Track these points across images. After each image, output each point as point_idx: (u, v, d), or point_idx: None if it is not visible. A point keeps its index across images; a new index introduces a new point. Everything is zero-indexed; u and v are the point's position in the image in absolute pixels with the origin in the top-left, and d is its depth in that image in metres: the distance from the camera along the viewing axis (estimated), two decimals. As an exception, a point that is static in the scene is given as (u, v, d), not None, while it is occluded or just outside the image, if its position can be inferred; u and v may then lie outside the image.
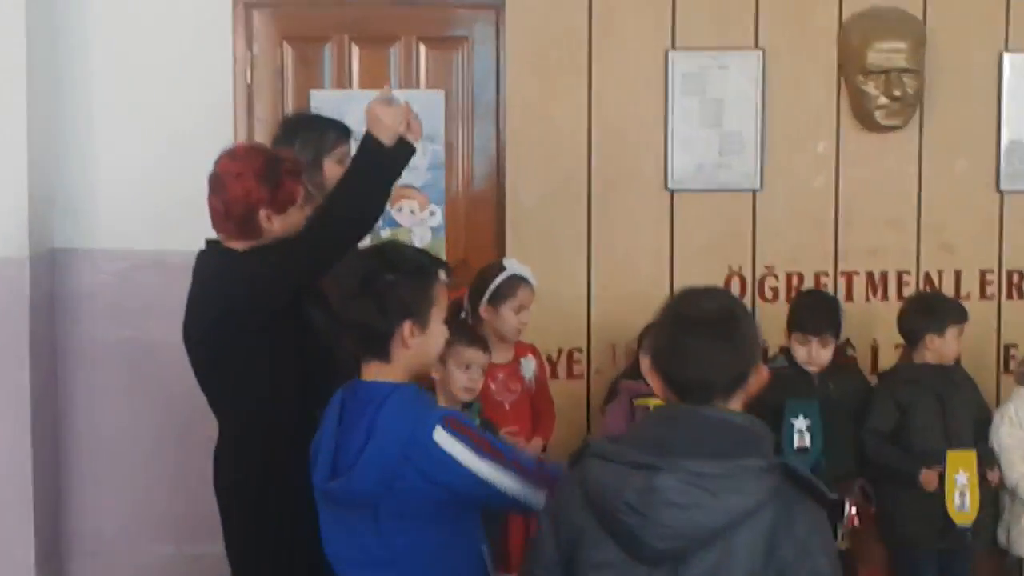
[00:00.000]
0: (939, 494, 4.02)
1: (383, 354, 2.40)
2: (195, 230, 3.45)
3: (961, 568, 4.16)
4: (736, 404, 2.08)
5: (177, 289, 3.39)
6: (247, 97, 4.79)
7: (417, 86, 4.81)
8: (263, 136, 4.72)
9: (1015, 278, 4.86)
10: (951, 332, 4.16)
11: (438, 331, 2.48)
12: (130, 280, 4.66)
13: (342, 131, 3.72)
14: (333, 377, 2.66)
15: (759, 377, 2.11)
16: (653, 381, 2.11)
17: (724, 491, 1.89)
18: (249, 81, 4.79)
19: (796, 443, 4.03)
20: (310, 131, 3.68)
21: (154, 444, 4.66)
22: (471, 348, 3.60)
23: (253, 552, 3.17)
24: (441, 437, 2.31)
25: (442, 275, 2.50)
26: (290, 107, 4.77)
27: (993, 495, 4.20)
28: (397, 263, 2.43)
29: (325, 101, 4.52)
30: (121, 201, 4.69)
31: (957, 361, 4.33)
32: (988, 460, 4.11)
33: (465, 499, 2.37)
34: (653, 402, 3.46)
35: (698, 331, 2.05)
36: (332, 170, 3.58)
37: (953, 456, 4.01)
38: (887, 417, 4.13)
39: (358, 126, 4.62)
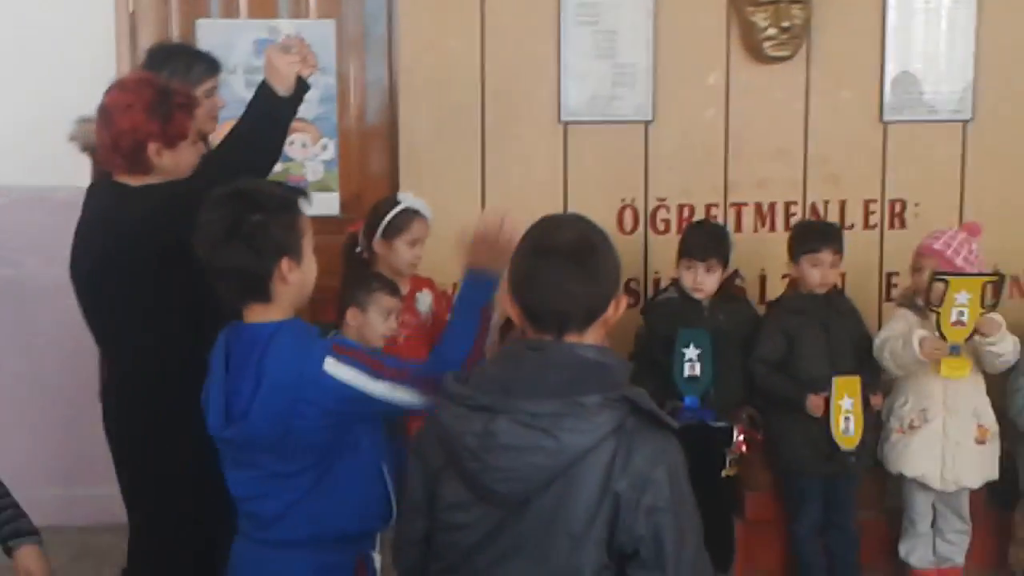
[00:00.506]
0: (824, 420, 4.11)
1: (264, 295, 2.40)
2: (79, 165, 3.39)
3: (845, 491, 4.25)
4: (594, 335, 2.06)
5: (61, 227, 3.31)
6: (130, 26, 4.68)
7: (307, 16, 4.76)
8: (145, 68, 4.63)
9: (897, 207, 4.95)
10: (812, 259, 4.20)
11: (312, 261, 2.48)
12: (10, 217, 4.54)
13: (211, 64, 3.64)
14: (224, 319, 2.64)
15: (618, 308, 2.08)
16: (511, 310, 2.08)
17: (562, 431, 1.88)
18: (131, 9, 4.68)
19: (687, 372, 4.09)
20: (178, 63, 3.57)
21: (40, 384, 4.59)
22: (394, 297, 3.62)
23: (146, 492, 3.14)
24: (332, 366, 2.32)
25: (305, 204, 2.50)
26: (175, 37, 4.65)
27: (875, 418, 4.32)
28: (261, 202, 2.40)
29: (211, 31, 4.45)
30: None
31: (841, 290, 4.43)
32: (872, 385, 4.21)
33: (364, 419, 2.41)
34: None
35: (555, 260, 2.01)
36: (202, 103, 3.49)
37: (839, 382, 4.09)
38: (774, 346, 4.20)
39: (245, 58, 4.63)
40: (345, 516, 2.44)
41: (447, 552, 2.05)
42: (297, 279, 2.42)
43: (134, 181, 3.04)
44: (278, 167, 4.26)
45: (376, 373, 2.35)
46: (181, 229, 2.87)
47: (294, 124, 4.26)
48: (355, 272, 3.86)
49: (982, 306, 4.05)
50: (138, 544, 3.23)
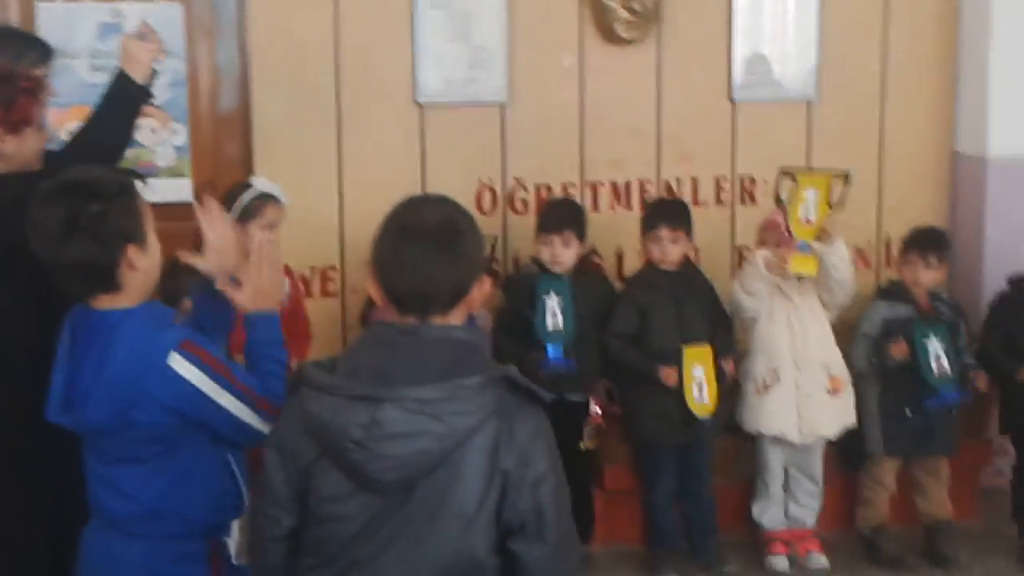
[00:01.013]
0: (678, 392, 4.19)
1: (113, 286, 2.36)
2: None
3: (699, 460, 4.34)
4: (457, 316, 2.04)
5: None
6: (-32, 9, 4.56)
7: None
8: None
9: (747, 184, 5.09)
10: (651, 236, 4.29)
11: (156, 244, 2.44)
12: None
13: (44, 51, 3.49)
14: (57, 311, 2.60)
15: (481, 289, 2.07)
16: (375, 293, 2.06)
17: (448, 414, 1.88)
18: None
19: (550, 324, 4.15)
20: (7, 48, 3.47)
21: None
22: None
23: None
24: (177, 362, 2.29)
25: (140, 185, 2.47)
26: (15, 19, 4.53)
27: (729, 387, 4.41)
28: (97, 191, 2.35)
29: (53, 14, 4.36)
30: None
31: (694, 265, 4.53)
32: (724, 353, 4.31)
33: (200, 426, 2.35)
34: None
35: (417, 241, 1.99)
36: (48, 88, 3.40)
37: (689, 352, 4.18)
38: (628, 320, 4.28)
39: (89, 42, 4.53)
40: (194, 507, 2.41)
41: (323, 546, 2.01)
42: (145, 265, 2.38)
43: None
44: (128, 152, 4.23)
45: (223, 381, 2.32)
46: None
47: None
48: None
49: (828, 205, 4.15)
50: None
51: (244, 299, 2.48)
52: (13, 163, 2.99)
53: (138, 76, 3.10)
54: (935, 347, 4.28)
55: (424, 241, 1.99)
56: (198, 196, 3.59)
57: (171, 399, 2.29)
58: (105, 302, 2.37)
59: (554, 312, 4.17)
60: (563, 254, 4.26)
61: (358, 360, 2.02)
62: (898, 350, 4.31)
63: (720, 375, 4.27)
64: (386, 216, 2.08)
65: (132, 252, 2.34)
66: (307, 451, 1.99)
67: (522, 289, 4.34)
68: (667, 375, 4.18)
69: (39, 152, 3.07)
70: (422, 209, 2.09)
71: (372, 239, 2.06)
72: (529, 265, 4.49)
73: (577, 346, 4.23)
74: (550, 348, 4.17)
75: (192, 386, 2.29)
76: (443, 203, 2.18)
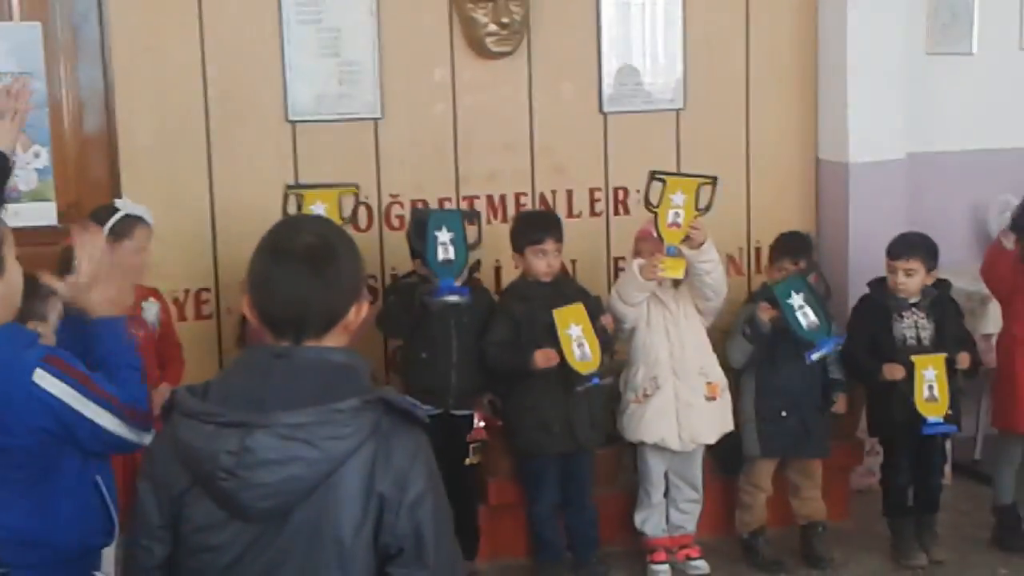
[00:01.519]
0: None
1: None
2: None
3: (580, 469, 4.37)
4: (335, 340, 2.00)
5: None
6: None
7: (11, 19, 4.56)
8: None
9: (620, 195, 5.14)
10: (536, 250, 4.29)
11: (15, 269, 2.38)
12: None
13: None
14: None
15: (359, 313, 2.03)
16: (250, 316, 2.01)
17: (322, 439, 1.84)
18: None
19: (441, 256, 4.16)
20: None
21: None
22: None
23: None
24: (41, 378, 2.26)
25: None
26: None
27: (609, 341, 4.37)
28: None
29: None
30: None
31: (569, 275, 4.58)
32: (597, 313, 4.27)
33: (70, 440, 2.32)
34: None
35: (290, 264, 1.95)
36: None
37: (559, 313, 4.18)
38: (503, 331, 4.28)
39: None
40: (62, 533, 2.37)
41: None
42: (2, 290, 2.33)
43: None
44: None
45: (88, 392, 2.29)
46: None
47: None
48: None
49: (697, 209, 4.23)
50: None
51: (93, 306, 2.45)
52: None
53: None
54: (797, 301, 4.33)
55: (296, 264, 1.95)
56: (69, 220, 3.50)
57: (39, 416, 2.26)
58: None
59: (445, 245, 4.17)
60: (556, 262, 4.29)
61: (230, 385, 1.98)
62: (765, 311, 4.39)
63: (601, 331, 4.24)
64: (261, 238, 2.03)
65: None
66: (179, 479, 1.93)
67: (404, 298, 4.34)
68: (544, 356, 4.15)
69: None
70: (296, 231, 2.05)
71: (248, 260, 2.01)
72: (413, 276, 4.43)
73: (459, 363, 4.24)
74: (443, 280, 4.16)
75: (58, 400, 2.26)
76: (318, 224, 2.16)
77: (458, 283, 4.20)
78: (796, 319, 4.30)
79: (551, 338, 4.18)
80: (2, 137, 2.98)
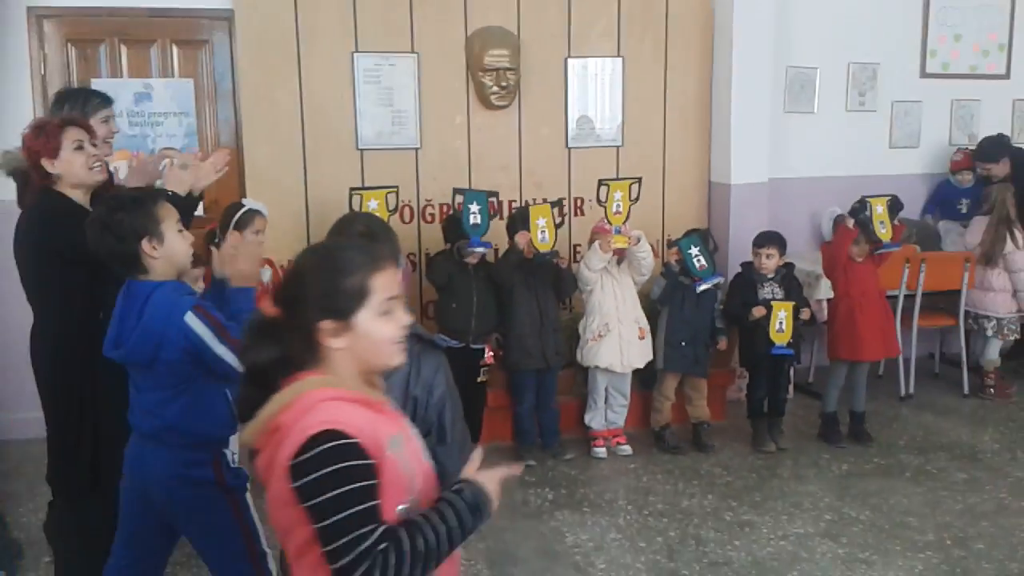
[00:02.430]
0: (537, 336, 4.23)
1: (140, 267, 2.32)
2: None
3: (549, 382, 4.38)
4: None
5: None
6: (42, 86, 4.38)
7: (172, 76, 4.55)
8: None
9: (579, 203, 5.13)
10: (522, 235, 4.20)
11: (175, 239, 2.35)
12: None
13: (103, 98, 3.39)
14: (110, 285, 2.55)
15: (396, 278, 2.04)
16: None
17: None
18: (43, 73, 4.38)
19: (472, 222, 4.13)
20: (76, 98, 3.33)
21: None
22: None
23: (52, 406, 2.96)
24: (190, 319, 2.25)
25: (162, 201, 2.39)
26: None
27: (572, 329, 4.44)
28: (118, 204, 2.32)
29: (102, 87, 4.13)
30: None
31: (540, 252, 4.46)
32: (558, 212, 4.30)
33: (202, 364, 2.29)
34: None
35: (352, 238, 2.01)
36: (98, 128, 3.25)
37: (534, 209, 4.23)
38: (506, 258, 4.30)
39: (127, 105, 4.42)
40: (200, 425, 2.35)
41: None
42: (161, 254, 2.31)
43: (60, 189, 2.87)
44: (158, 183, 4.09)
45: (220, 337, 2.26)
46: (61, 236, 2.75)
47: (165, 151, 4.10)
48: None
49: (629, 199, 4.27)
50: (52, 447, 3.04)
51: (234, 277, 2.42)
52: (63, 182, 2.85)
53: (178, 190, 2.90)
54: (694, 251, 4.33)
55: (352, 241, 2.00)
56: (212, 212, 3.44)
57: (185, 344, 2.25)
58: (143, 278, 2.33)
59: (474, 214, 4.15)
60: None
61: None
62: (673, 255, 4.43)
63: (559, 226, 4.26)
64: (332, 225, 2.12)
65: (146, 245, 2.29)
66: None
67: (440, 267, 4.30)
68: (521, 236, 4.14)
69: (84, 165, 2.88)
70: (351, 223, 2.15)
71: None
72: (445, 253, 4.40)
73: (477, 312, 4.23)
74: (473, 238, 4.16)
75: (198, 336, 2.25)
76: (366, 218, 2.22)
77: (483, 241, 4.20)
78: (692, 262, 4.35)
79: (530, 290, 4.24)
80: (183, 182, 2.92)
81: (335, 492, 1.39)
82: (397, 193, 4.32)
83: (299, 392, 1.50)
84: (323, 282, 1.53)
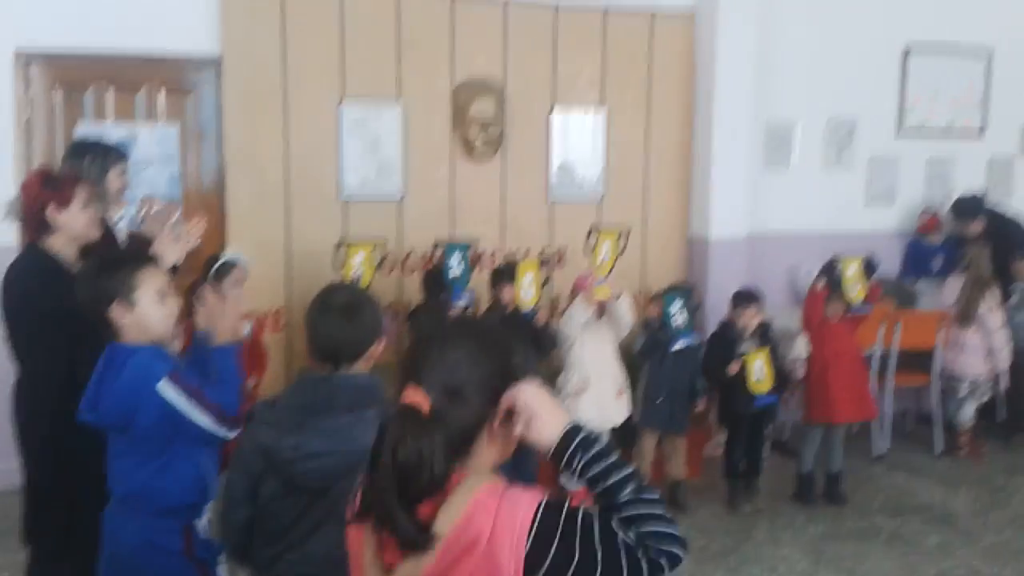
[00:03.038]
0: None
1: (115, 330, 2.30)
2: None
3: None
4: (362, 367, 1.99)
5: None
6: (26, 129, 4.36)
7: (158, 121, 4.54)
8: (39, 157, 4.32)
9: (561, 254, 5.19)
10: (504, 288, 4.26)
11: (150, 305, 2.29)
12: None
13: (121, 151, 3.46)
14: (95, 345, 2.54)
15: (378, 348, 2.03)
16: (307, 347, 2.04)
17: (353, 437, 1.82)
18: (28, 116, 4.36)
19: (453, 275, 4.17)
20: (95, 151, 3.38)
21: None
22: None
23: (30, 463, 2.95)
24: (164, 388, 2.22)
25: (142, 262, 2.36)
26: (60, 137, 4.36)
27: (551, 385, 4.42)
28: (101, 262, 2.32)
29: (87, 132, 4.17)
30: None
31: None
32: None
33: (178, 430, 2.26)
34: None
35: (330, 316, 1.98)
36: (114, 181, 3.34)
37: (522, 265, 4.25)
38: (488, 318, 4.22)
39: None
40: (172, 491, 2.32)
41: (269, 530, 1.99)
42: (132, 320, 2.27)
43: (46, 242, 2.87)
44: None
45: (196, 403, 2.23)
46: (46, 296, 2.75)
47: (148, 200, 4.09)
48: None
49: (617, 250, 4.30)
50: (29, 504, 3.02)
51: (217, 334, 2.38)
52: (59, 236, 2.86)
53: (169, 260, 2.90)
54: (676, 306, 4.33)
55: (334, 316, 1.97)
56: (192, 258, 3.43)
57: (158, 410, 2.21)
58: (121, 341, 2.31)
59: (454, 267, 4.17)
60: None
61: (290, 400, 1.98)
62: (653, 310, 4.45)
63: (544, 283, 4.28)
64: (314, 297, 2.07)
65: (116, 309, 2.26)
66: (258, 465, 1.95)
67: (422, 320, 4.33)
68: (506, 294, 4.17)
69: (87, 223, 2.92)
70: (335, 292, 2.08)
71: (309, 292, 2.04)
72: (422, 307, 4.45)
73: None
74: (455, 290, 4.16)
75: (172, 405, 2.22)
76: (351, 288, 2.18)
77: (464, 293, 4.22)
78: (670, 319, 4.35)
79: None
80: (172, 252, 2.92)
81: (585, 533, 1.27)
82: (384, 246, 4.31)
83: (474, 494, 1.29)
84: (498, 363, 1.36)
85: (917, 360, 5.38)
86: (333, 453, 1.84)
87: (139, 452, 2.29)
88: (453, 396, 1.31)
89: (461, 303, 4.21)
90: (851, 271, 4.49)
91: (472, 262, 4.43)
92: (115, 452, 2.35)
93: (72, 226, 2.88)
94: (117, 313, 2.27)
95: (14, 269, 2.90)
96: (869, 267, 4.60)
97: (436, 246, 4.37)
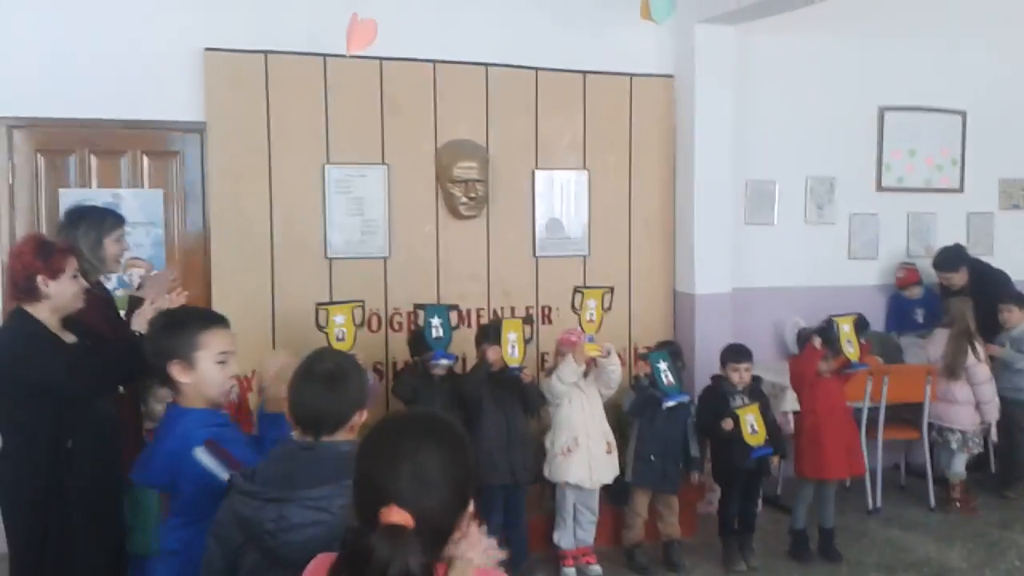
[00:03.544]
0: (504, 451, 4.16)
1: (171, 386, 2.28)
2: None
3: (517, 499, 4.29)
4: (345, 435, 1.96)
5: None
6: (9, 195, 4.36)
7: (142, 186, 4.55)
8: (23, 222, 4.33)
9: (547, 310, 5.18)
10: (490, 347, 4.20)
11: (211, 370, 2.26)
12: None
13: (117, 217, 3.49)
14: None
15: (361, 417, 2.01)
16: (288, 414, 2.02)
17: (337, 507, 1.77)
18: (11, 182, 4.36)
19: (435, 335, 4.16)
20: (92, 218, 3.41)
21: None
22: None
23: (13, 532, 2.94)
24: (200, 453, 2.18)
25: (210, 322, 2.34)
26: (44, 202, 4.37)
27: (539, 444, 4.37)
28: (172, 317, 2.34)
29: (70, 197, 4.20)
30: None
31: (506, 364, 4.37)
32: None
33: (217, 498, 2.18)
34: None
35: (313, 385, 1.96)
36: (111, 247, 3.37)
37: (507, 323, 4.25)
38: (473, 377, 4.28)
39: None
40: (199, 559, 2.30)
41: None
42: (191, 379, 2.24)
43: (30, 309, 2.87)
44: (119, 293, 4.07)
45: (228, 467, 2.19)
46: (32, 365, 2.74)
47: (132, 261, 4.12)
48: None
49: (603, 308, 4.32)
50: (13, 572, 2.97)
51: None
52: (45, 305, 2.88)
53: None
54: (663, 366, 4.33)
55: (316, 384, 1.96)
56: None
57: (196, 476, 2.18)
58: (178, 402, 2.29)
59: (436, 327, 4.17)
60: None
61: (271, 470, 1.92)
62: (641, 368, 4.44)
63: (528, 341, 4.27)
64: (298, 364, 2.04)
65: (175, 367, 2.24)
66: (237, 537, 1.89)
67: (406, 381, 4.30)
68: (492, 351, 4.13)
69: (75, 299, 2.95)
70: (320, 360, 2.04)
71: (294, 350, 2.08)
72: (408, 368, 4.45)
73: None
74: (436, 349, 4.15)
75: (207, 470, 2.18)
76: (337, 355, 2.15)
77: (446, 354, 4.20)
78: (660, 376, 4.34)
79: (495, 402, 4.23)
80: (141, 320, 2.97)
81: None
82: (363, 307, 4.29)
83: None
84: (470, 476, 1.49)
85: (907, 413, 5.38)
86: (317, 524, 1.79)
87: (184, 513, 2.26)
88: (429, 506, 1.40)
89: (444, 363, 4.20)
90: (846, 329, 4.53)
91: (457, 321, 4.43)
92: (169, 509, 2.33)
93: (60, 297, 2.90)
94: (176, 371, 2.24)
95: (1, 334, 2.89)
96: (861, 325, 4.64)
97: (417, 308, 4.38)
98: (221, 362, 2.29)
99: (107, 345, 3.05)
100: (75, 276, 2.96)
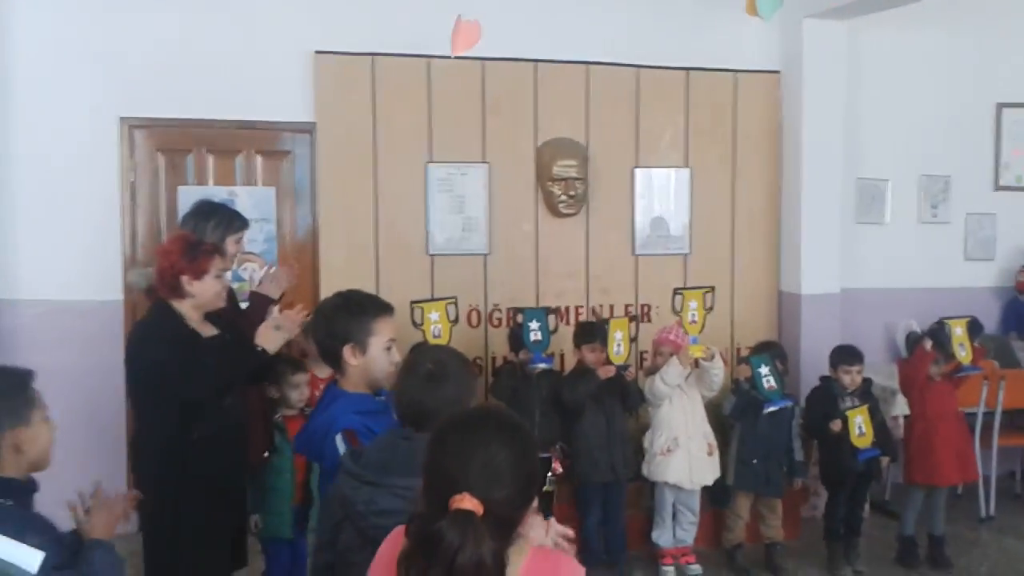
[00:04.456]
0: (604, 450, 4.20)
1: (338, 368, 2.40)
2: (94, 284, 3.33)
3: (616, 496, 4.32)
4: None
5: (82, 328, 3.42)
6: (131, 191, 4.62)
7: (256, 184, 4.76)
8: (143, 217, 4.58)
9: (646, 308, 5.20)
10: (588, 348, 4.25)
11: (380, 356, 2.36)
12: (46, 321, 4.39)
13: (243, 220, 3.60)
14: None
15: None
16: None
17: None
18: (133, 180, 4.62)
19: (533, 339, 4.23)
20: (223, 215, 3.53)
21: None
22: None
23: (146, 518, 3.06)
24: (339, 439, 2.26)
25: (383, 310, 2.42)
26: (163, 198, 4.62)
27: (637, 442, 4.39)
28: (349, 300, 2.43)
29: (189, 194, 4.42)
30: (40, 264, 4.48)
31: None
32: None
33: None
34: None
35: (415, 381, 2.02)
36: (231, 246, 3.48)
37: (614, 322, 4.29)
38: (574, 381, 4.28)
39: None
40: None
41: None
42: (360, 363, 2.34)
43: (173, 303, 3.02)
44: (234, 285, 4.27)
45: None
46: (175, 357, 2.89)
47: (246, 256, 4.32)
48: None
49: (704, 309, 4.30)
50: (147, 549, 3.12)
51: None
52: (189, 302, 3.01)
53: (269, 347, 3.08)
54: (764, 370, 4.26)
55: (419, 379, 2.01)
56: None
57: (332, 456, 2.25)
58: (341, 381, 2.40)
59: (535, 331, 4.21)
60: (601, 356, 4.23)
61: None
62: (742, 372, 4.39)
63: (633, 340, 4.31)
64: (403, 358, 2.13)
65: (348, 351, 2.33)
66: (337, 512, 1.96)
67: (505, 382, 4.39)
68: (604, 371, 4.13)
69: (218, 298, 3.09)
70: (424, 355, 2.11)
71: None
72: (507, 366, 4.51)
73: (540, 422, 4.20)
74: (535, 353, 4.20)
75: (340, 455, 2.24)
76: (441, 349, 2.19)
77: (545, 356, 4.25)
78: (761, 381, 4.28)
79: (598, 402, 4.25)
80: (273, 340, 3.09)
81: None
82: (456, 304, 4.33)
83: (523, 561, 1.50)
84: (535, 474, 1.54)
85: (1023, 420, 5.17)
86: (404, 513, 1.72)
87: (324, 489, 2.34)
88: (497, 498, 1.43)
89: (542, 366, 4.25)
90: (959, 332, 4.40)
91: (556, 324, 4.47)
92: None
93: (202, 295, 3.02)
94: (347, 355, 2.34)
95: (144, 327, 3.06)
96: (975, 328, 4.50)
97: (516, 312, 4.44)
98: (388, 348, 2.38)
99: (238, 348, 3.12)
100: (218, 276, 3.06)
